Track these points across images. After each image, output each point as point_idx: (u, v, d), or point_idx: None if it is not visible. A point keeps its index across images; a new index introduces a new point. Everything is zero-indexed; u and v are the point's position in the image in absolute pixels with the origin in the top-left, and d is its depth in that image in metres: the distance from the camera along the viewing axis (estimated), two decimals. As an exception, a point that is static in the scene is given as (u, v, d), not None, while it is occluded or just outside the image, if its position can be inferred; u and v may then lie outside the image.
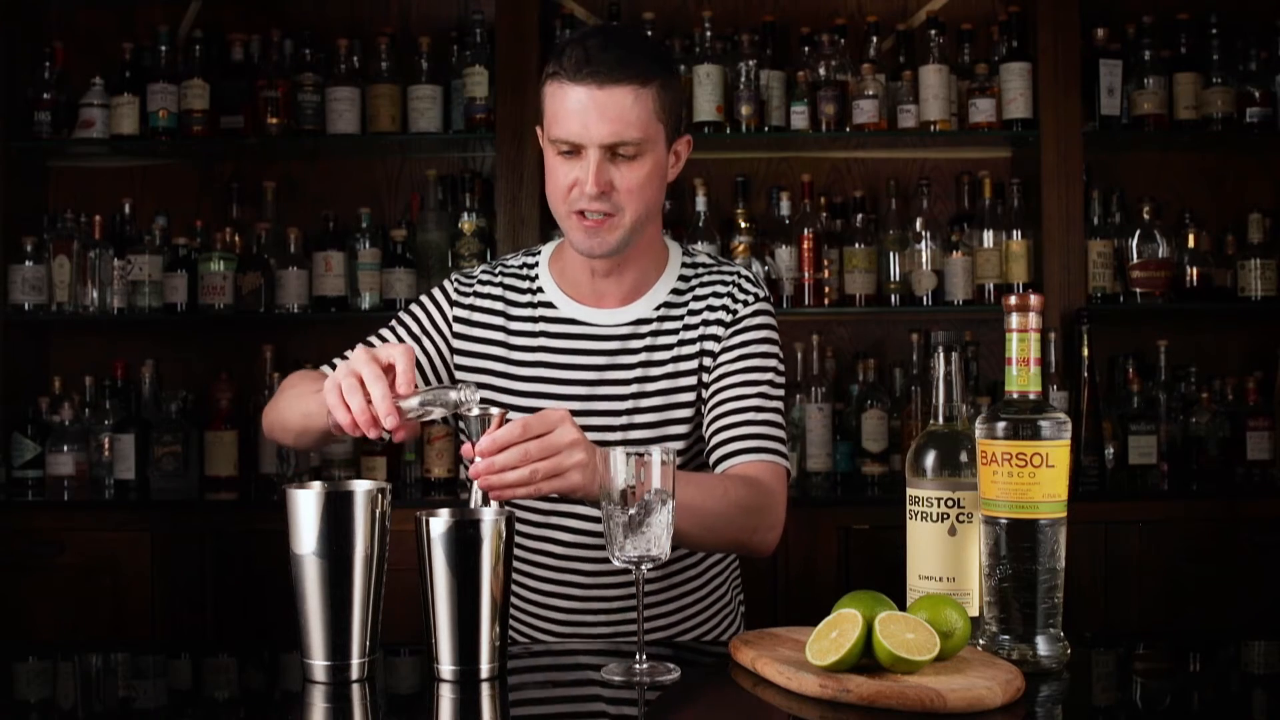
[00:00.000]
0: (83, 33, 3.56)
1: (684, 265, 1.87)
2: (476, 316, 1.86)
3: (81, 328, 3.51)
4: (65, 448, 3.24)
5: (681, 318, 1.83)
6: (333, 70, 3.40)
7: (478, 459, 1.47)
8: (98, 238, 3.40)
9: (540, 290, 1.86)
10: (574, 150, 1.70)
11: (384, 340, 1.86)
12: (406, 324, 1.88)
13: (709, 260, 1.89)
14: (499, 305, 1.86)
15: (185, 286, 3.35)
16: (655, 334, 1.82)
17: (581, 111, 1.67)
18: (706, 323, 1.82)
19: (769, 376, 1.81)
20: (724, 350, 1.81)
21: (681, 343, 1.82)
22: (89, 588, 3.00)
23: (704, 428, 1.81)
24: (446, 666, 1.36)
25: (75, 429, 3.27)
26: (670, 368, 1.81)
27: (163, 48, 3.39)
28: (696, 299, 1.84)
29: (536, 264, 1.89)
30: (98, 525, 3.07)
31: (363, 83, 3.38)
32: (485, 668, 1.36)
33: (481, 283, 1.88)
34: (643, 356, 1.81)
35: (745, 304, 1.83)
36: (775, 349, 1.84)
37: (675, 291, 1.84)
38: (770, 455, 1.76)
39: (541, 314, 1.84)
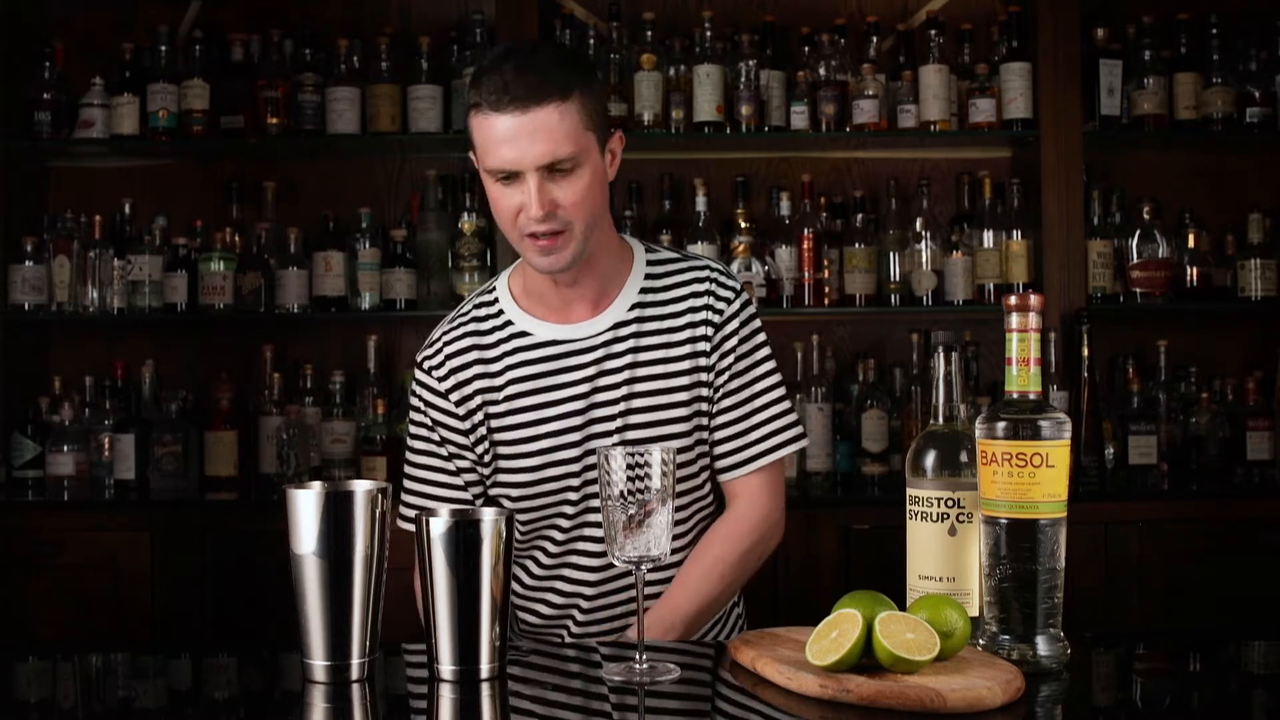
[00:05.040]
0: (83, 33, 3.55)
1: (649, 263, 1.87)
2: (465, 388, 1.83)
3: (81, 328, 3.51)
4: (65, 448, 3.23)
5: (663, 317, 1.83)
6: (333, 70, 3.40)
7: None
8: (98, 238, 3.39)
9: (510, 323, 1.84)
10: (512, 177, 1.70)
11: (417, 473, 1.88)
12: (425, 443, 1.86)
13: (673, 254, 1.89)
14: (472, 358, 1.83)
15: (185, 286, 3.34)
16: (637, 335, 1.82)
17: (512, 139, 1.67)
18: (693, 324, 1.82)
19: (764, 368, 1.85)
20: (715, 351, 1.82)
21: (668, 344, 1.82)
22: (89, 588, 3.00)
23: (708, 435, 1.83)
24: (446, 666, 1.36)
25: (75, 429, 3.27)
26: (659, 368, 1.81)
27: (163, 48, 3.38)
28: (675, 298, 1.84)
29: (495, 299, 1.87)
30: (98, 525, 3.07)
31: (363, 83, 3.38)
32: (485, 668, 1.37)
33: (449, 355, 1.84)
34: (628, 359, 1.81)
35: (728, 301, 1.84)
36: (762, 336, 1.87)
37: (646, 290, 1.84)
38: (767, 457, 1.81)
39: (516, 345, 1.82)
